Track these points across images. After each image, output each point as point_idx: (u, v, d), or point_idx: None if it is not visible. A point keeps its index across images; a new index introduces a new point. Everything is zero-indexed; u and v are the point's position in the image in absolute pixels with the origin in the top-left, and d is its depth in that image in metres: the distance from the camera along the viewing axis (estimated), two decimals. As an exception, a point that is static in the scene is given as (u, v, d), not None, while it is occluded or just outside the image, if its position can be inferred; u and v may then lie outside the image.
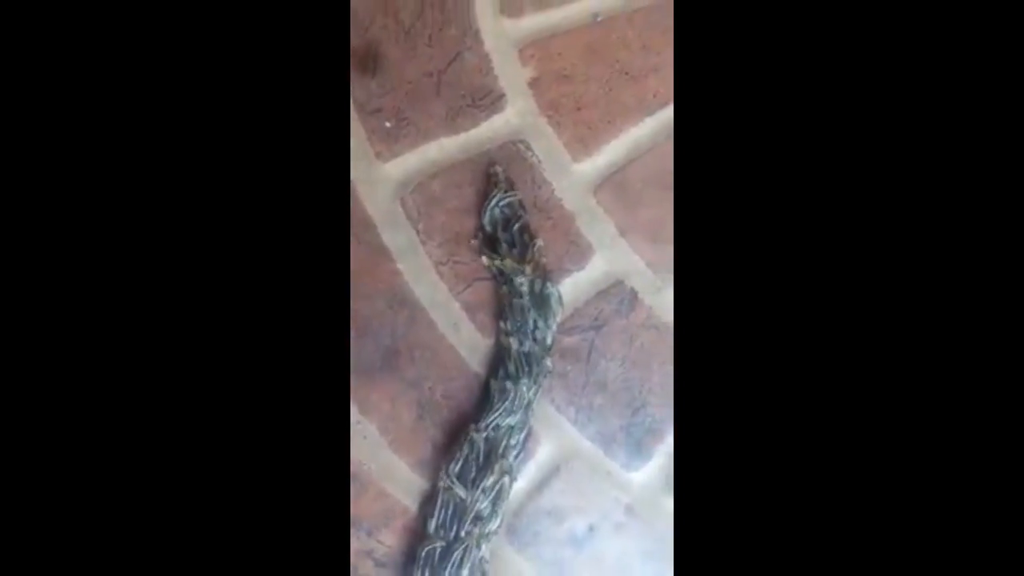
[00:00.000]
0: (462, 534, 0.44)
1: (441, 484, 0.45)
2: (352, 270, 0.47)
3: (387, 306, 0.47)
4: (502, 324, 0.47)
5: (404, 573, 0.46)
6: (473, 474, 0.45)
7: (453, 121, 0.48)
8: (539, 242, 0.48)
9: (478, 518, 0.45)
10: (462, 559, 0.44)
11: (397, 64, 0.48)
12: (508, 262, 0.47)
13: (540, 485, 0.48)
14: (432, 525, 0.45)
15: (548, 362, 0.47)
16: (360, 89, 0.47)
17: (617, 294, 0.49)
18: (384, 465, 0.46)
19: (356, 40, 0.47)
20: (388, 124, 0.47)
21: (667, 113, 0.49)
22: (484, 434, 0.45)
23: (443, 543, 0.44)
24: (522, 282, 0.47)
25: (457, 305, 0.48)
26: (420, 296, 0.47)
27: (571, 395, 0.49)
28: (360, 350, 0.47)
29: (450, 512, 0.45)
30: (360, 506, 0.46)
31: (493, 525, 0.45)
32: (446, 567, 0.44)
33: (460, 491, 0.45)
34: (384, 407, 0.47)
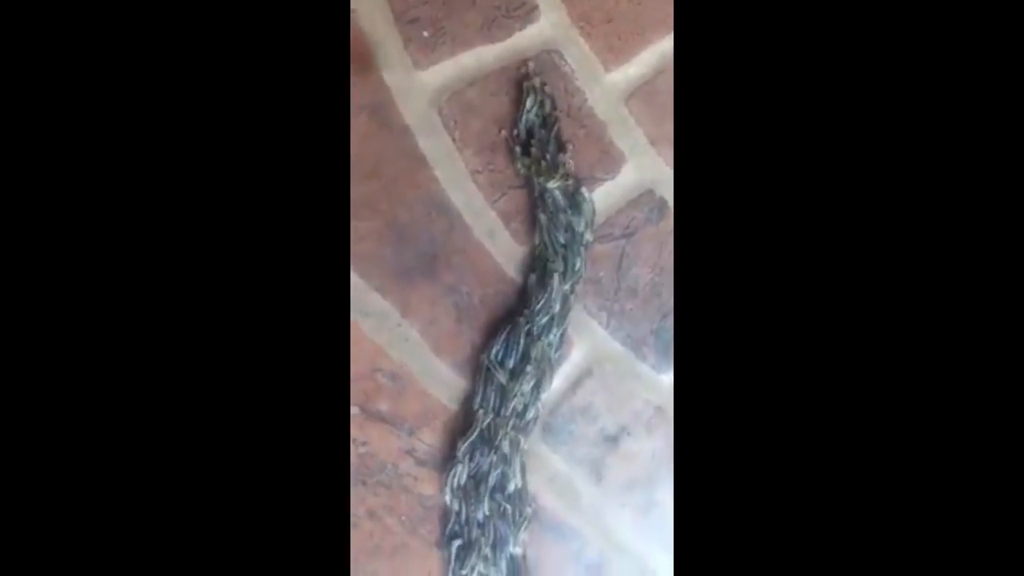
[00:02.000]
0: (501, 418, 0.46)
1: (482, 367, 0.47)
2: (390, 176, 0.48)
3: (425, 213, 0.48)
4: (538, 225, 0.48)
5: (444, 468, 0.48)
6: (512, 364, 0.47)
7: (488, 31, 0.49)
8: (570, 148, 0.49)
9: (516, 410, 0.47)
10: (502, 452, 0.46)
11: None
12: (543, 165, 0.48)
13: (574, 386, 0.50)
14: (475, 404, 0.46)
15: (580, 265, 0.49)
16: None
17: (648, 203, 0.51)
18: (424, 366, 0.48)
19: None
20: (425, 33, 0.48)
21: None
22: (523, 328, 0.47)
23: (483, 430, 0.46)
24: (556, 186, 0.48)
25: (493, 213, 0.49)
26: (457, 203, 0.49)
27: (603, 300, 0.50)
28: (400, 255, 0.48)
29: (492, 396, 0.46)
30: (401, 406, 0.47)
31: (531, 415, 0.47)
32: (487, 457, 0.46)
33: (501, 376, 0.46)
34: (424, 310, 0.48)
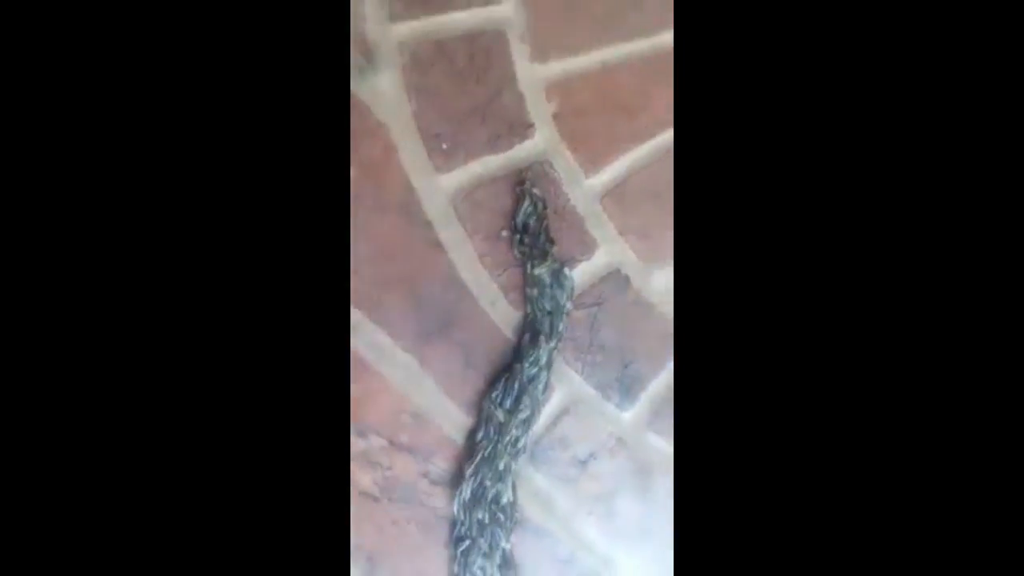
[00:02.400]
0: (499, 447, 0.60)
1: (485, 407, 0.61)
2: (415, 259, 0.61)
3: (442, 288, 0.61)
4: (529, 297, 0.62)
5: (454, 485, 0.61)
6: (509, 404, 0.60)
7: (494, 144, 0.62)
8: (556, 239, 0.62)
9: (511, 440, 0.60)
10: (498, 472, 0.60)
11: (451, 99, 0.61)
12: (534, 252, 0.61)
13: (554, 421, 0.64)
14: (479, 436, 0.60)
15: (562, 327, 0.62)
16: (423, 118, 0.61)
17: (615, 279, 0.65)
18: (439, 407, 0.61)
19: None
20: (444, 146, 0.61)
21: (657, 140, 0.64)
22: (518, 376, 0.60)
23: (485, 455, 0.60)
24: (544, 269, 0.61)
25: (495, 286, 0.62)
26: (467, 279, 0.62)
27: (578, 353, 0.64)
28: (422, 320, 0.61)
29: (492, 429, 0.60)
30: (420, 438, 0.61)
31: (521, 443, 0.61)
32: (487, 477, 0.60)
33: (500, 414, 0.60)
34: (438, 363, 0.61)
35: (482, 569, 0.60)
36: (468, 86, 0.62)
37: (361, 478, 0.60)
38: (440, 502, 0.61)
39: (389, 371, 0.60)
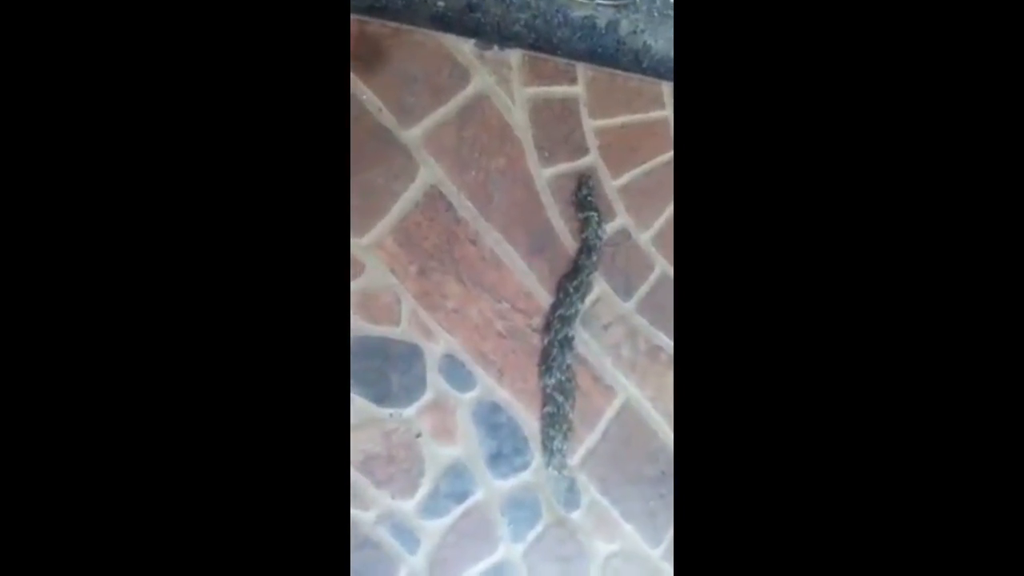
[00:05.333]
0: (568, 310, 1.13)
1: (563, 286, 1.15)
2: (529, 211, 1.13)
3: (542, 227, 1.14)
4: (585, 234, 1.16)
5: (544, 331, 1.12)
6: (574, 286, 1.14)
7: (571, 156, 1.17)
8: (598, 208, 1.18)
9: (574, 307, 1.14)
10: (567, 321, 1.13)
11: (551, 130, 1.15)
12: (589, 211, 1.16)
13: (592, 304, 1.18)
14: (558, 305, 1.14)
15: (599, 248, 1.17)
16: (538, 138, 1.14)
17: (623, 233, 1.21)
18: (537, 289, 1.13)
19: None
20: (546, 155, 1.15)
21: (653, 162, 1.22)
22: (579, 273, 1.14)
23: (561, 313, 1.13)
24: (593, 219, 1.16)
25: (568, 230, 1.17)
26: (555, 224, 1.15)
27: (604, 269, 1.19)
28: (531, 244, 1.13)
29: (565, 300, 1.14)
30: (527, 305, 1.12)
31: (578, 309, 1.14)
32: (562, 323, 1.12)
33: (570, 289, 1.15)
34: (538, 267, 1.13)
35: (555, 373, 1.12)
36: (560, 124, 1.17)
37: (497, 324, 1.10)
38: (537, 341, 1.13)
39: (514, 268, 1.11)
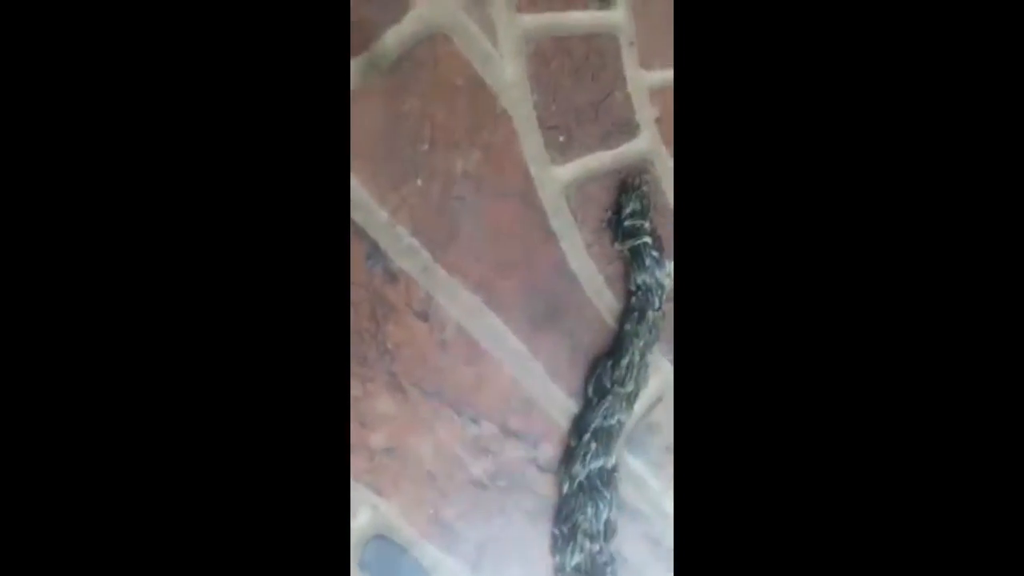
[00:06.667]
0: (604, 423, 0.62)
1: (594, 382, 0.63)
2: (529, 245, 0.62)
3: (553, 275, 0.62)
4: (632, 278, 0.65)
5: (560, 470, 0.62)
6: (616, 378, 0.63)
7: (606, 140, 0.65)
8: (655, 229, 0.66)
9: (615, 416, 0.63)
10: (603, 446, 0.62)
11: (569, 93, 0.63)
12: (640, 237, 0.64)
13: (649, 408, 0.67)
14: (586, 413, 0.62)
15: (661, 303, 0.65)
16: (543, 110, 0.62)
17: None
18: (546, 393, 0.62)
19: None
20: (561, 139, 0.62)
21: None
22: (626, 351, 0.63)
23: (592, 430, 0.61)
24: (647, 253, 0.65)
25: (601, 278, 0.65)
26: (576, 268, 0.63)
27: (670, 347, 0.68)
28: (533, 307, 0.62)
29: (599, 405, 0.62)
30: (529, 425, 0.61)
31: (624, 419, 0.63)
32: (593, 451, 0.61)
33: (607, 385, 0.63)
34: (547, 349, 0.62)
35: (582, 546, 0.61)
36: (584, 83, 0.64)
37: (472, 466, 0.59)
38: (546, 489, 0.62)
39: (502, 356, 0.60)
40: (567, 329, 0.64)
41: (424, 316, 0.57)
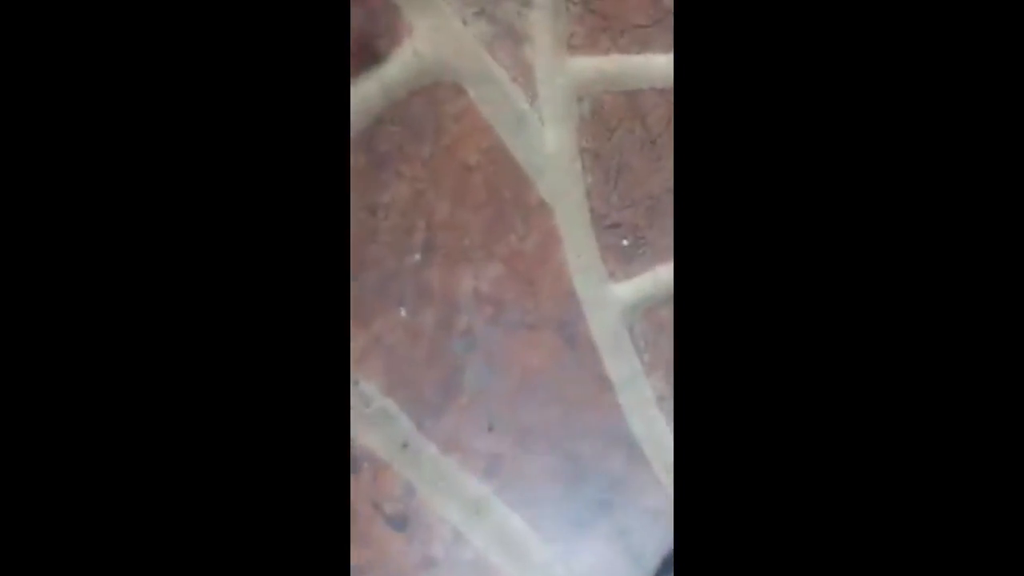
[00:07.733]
0: None
1: None
2: (572, 400, 0.41)
3: (605, 446, 0.42)
4: None
5: None
6: None
7: (690, 244, 0.45)
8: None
9: None
10: None
11: (640, 175, 0.43)
12: None
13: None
14: None
15: None
16: (600, 199, 0.42)
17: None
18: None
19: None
20: (625, 242, 0.42)
21: None
22: None
23: None
24: None
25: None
26: (639, 434, 0.43)
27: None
28: (572, 497, 0.41)
29: None
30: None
31: None
32: None
33: None
34: (593, 557, 0.41)
35: None
36: (662, 160, 0.44)
37: None
38: None
39: (520, 572, 0.40)
40: (622, 528, 0.43)
41: (402, 523, 0.37)
